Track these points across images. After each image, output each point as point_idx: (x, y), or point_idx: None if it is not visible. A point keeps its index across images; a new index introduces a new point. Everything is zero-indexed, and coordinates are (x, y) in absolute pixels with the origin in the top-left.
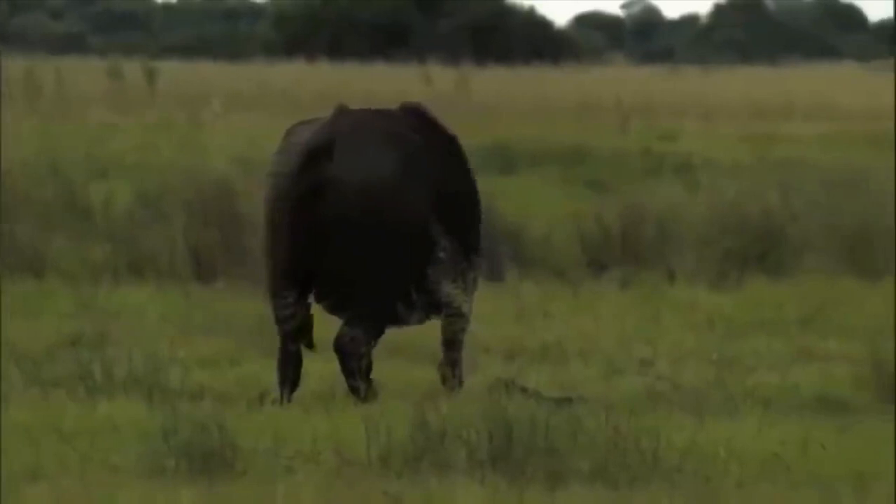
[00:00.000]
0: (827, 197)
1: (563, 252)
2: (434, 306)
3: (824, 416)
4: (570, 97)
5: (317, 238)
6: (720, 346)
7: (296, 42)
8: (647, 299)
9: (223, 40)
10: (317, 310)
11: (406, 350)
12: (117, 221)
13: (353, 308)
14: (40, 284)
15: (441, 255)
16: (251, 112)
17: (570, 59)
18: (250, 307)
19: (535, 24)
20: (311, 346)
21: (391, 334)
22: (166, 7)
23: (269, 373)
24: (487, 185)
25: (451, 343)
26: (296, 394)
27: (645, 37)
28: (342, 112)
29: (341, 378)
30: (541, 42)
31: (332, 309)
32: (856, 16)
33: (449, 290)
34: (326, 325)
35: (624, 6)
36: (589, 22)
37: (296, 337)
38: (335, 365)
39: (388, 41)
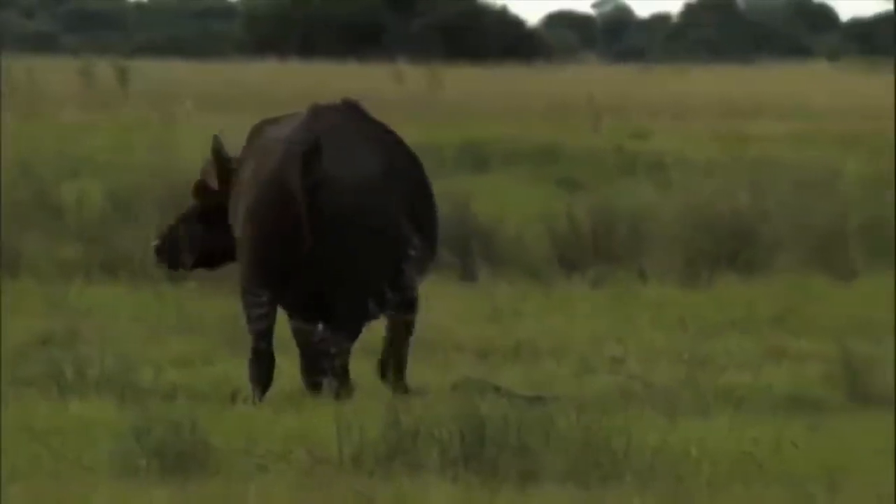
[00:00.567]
0: (798, 196)
1: (536, 251)
2: (403, 304)
3: (796, 415)
4: (542, 96)
5: (300, 238)
6: (692, 346)
7: (267, 41)
8: (619, 298)
9: (196, 40)
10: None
11: (378, 349)
12: (89, 221)
13: (332, 307)
14: (12, 283)
15: (412, 252)
16: (223, 112)
17: (542, 59)
18: (222, 307)
19: (508, 24)
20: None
21: (364, 333)
22: (139, 6)
23: (241, 372)
24: (460, 185)
25: (403, 340)
26: (268, 393)
27: (616, 36)
28: (317, 111)
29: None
30: (513, 41)
31: (306, 309)
32: (827, 15)
33: (415, 285)
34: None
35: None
36: (561, 21)
37: (268, 337)
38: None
39: (360, 40)
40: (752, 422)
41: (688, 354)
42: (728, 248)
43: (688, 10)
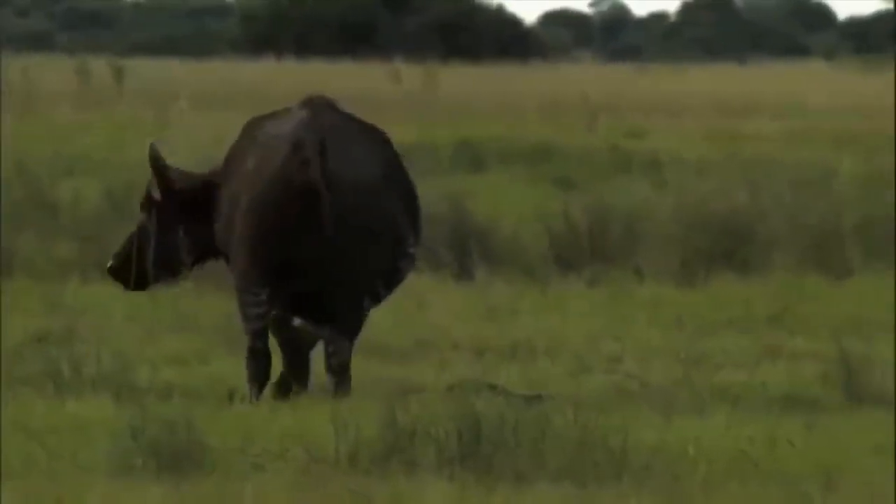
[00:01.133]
0: (794, 195)
1: (532, 250)
2: (383, 300)
3: (792, 414)
4: (537, 95)
5: (310, 234)
6: (688, 344)
7: (263, 40)
8: (615, 297)
9: (191, 38)
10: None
11: (375, 348)
12: (85, 219)
13: (331, 305)
14: (7, 282)
15: (410, 250)
16: (218, 110)
17: (538, 57)
18: (218, 306)
19: (503, 22)
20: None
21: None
22: (134, 5)
23: (237, 371)
24: (456, 184)
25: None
26: (264, 392)
27: (613, 35)
28: (314, 107)
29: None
30: (508, 40)
31: (303, 307)
32: (824, 14)
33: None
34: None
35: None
36: (557, 20)
37: (265, 335)
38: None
39: (356, 39)
40: (748, 420)
41: (684, 353)
42: (724, 246)
43: (685, 9)
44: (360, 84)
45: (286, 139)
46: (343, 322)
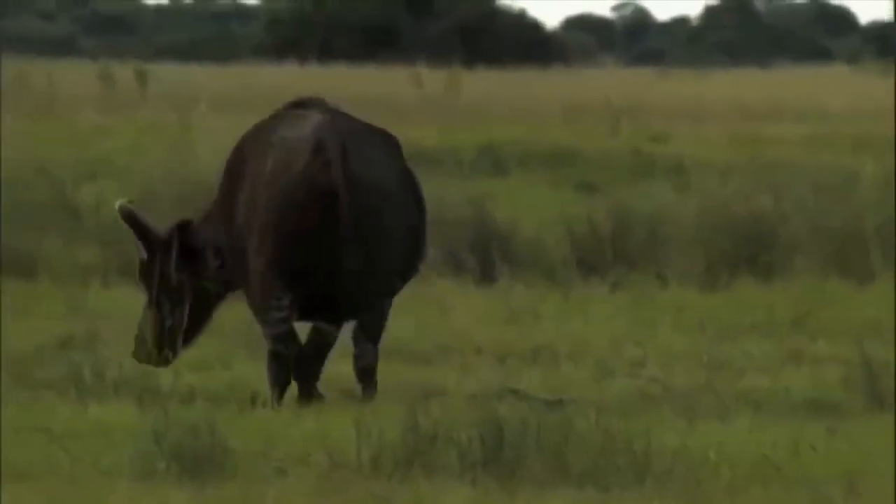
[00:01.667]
0: (816, 199)
1: (554, 254)
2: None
3: (815, 419)
4: (559, 99)
5: (331, 236)
6: (710, 349)
7: (287, 44)
8: (638, 301)
9: (214, 42)
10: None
11: (397, 352)
12: (107, 223)
13: (352, 309)
14: (31, 286)
15: (424, 248)
16: (240, 114)
17: (560, 62)
18: (239, 310)
19: (526, 26)
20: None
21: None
22: (157, 9)
23: (259, 375)
24: (478, 188)
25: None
26: (286, 396)
27: (635, 39)
28: (324, 110)
29: (333, 381)
30: (531, 44)
31: (322, 311)
32: (846, 18)
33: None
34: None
35: (614, 8)
36: (579, 24)
37: (287, 340)
38: (327, 367)
39: (378, 43)
40: (770, 425)
41: (707, 357)
42: (747, 250)
43: (707, 13)
44: (382, 88)
45: (307, 141)
46: (366, 326)
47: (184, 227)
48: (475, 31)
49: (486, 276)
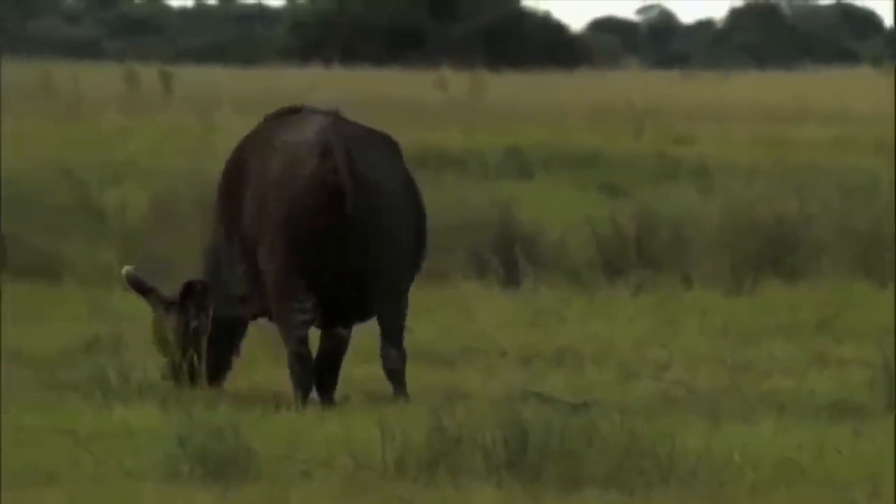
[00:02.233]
0: (841, 201)
1: (579, 257)
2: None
3: (839, 421)
4: (584, 102)
5: (343, 238)
6: (735, 351)
7: (311, 47)
8: (662, 304)
9: (238, 45)
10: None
11: (422, 354)
12: (131, 226)
13: (362, 310)
14: (55, 288)
15: (425, 252)
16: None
17: (585, 64)
18: None
19: (550, 29)
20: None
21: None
22: (182, 12)
23: (283, 377)
24: (503, 190)
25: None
26: (310, 398)
27: (660, 41)
28: (325, 113)
29: (356, 382)
30: (555, 47)
31: (338, 313)
32: (871, 20)
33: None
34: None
35: (639, 11)
36: (604, 27)
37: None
38: (351, 370)
39: (403, 46)
40: (795, 427)
41: (731, 360)
42: (771, 253)
43: (732, 16)
44: (407, 91)
45: (312, 144)
46: (384, 328)
47: (191, 288)
48: (500, 33)
49: (511, 278)
